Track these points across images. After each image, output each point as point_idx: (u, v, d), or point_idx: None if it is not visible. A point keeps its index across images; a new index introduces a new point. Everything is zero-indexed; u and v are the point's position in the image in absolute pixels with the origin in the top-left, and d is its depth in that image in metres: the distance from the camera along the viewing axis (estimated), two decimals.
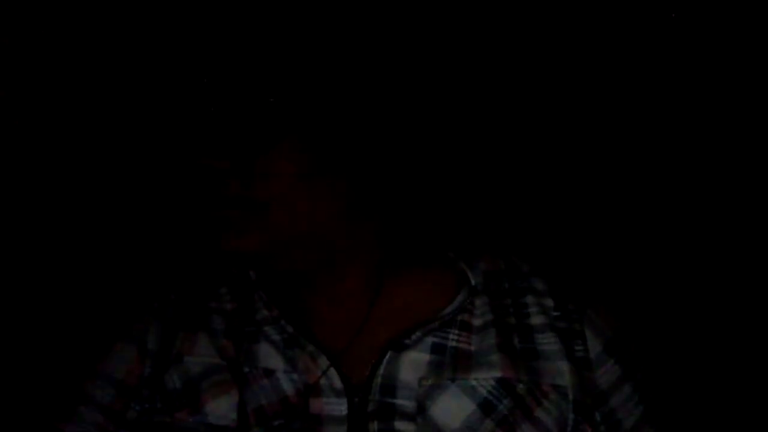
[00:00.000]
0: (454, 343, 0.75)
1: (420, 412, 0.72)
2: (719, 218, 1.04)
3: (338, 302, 0.77)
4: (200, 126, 0.71)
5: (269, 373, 0.75)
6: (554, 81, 1.04)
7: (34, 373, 0.97)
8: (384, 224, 0.77)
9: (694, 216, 1.05)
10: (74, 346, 0.86)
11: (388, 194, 0.76)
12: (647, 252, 1.06)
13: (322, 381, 0.73)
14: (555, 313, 0.78)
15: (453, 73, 0.82)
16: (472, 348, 0.76)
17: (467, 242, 0.84)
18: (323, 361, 0.74)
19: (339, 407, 0.73)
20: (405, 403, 0.73)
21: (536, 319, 0.78)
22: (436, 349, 0.75)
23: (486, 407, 0.73)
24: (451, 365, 0.74)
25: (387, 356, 0.74)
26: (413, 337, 0.75)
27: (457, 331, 0.76)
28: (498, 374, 0.74)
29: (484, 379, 0.74)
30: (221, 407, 0.74)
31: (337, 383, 0.73)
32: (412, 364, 0.74)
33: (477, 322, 0.77)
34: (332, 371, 0.74)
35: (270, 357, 0.76)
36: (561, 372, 0.75)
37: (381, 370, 0.74)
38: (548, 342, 0.77)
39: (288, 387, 0.74)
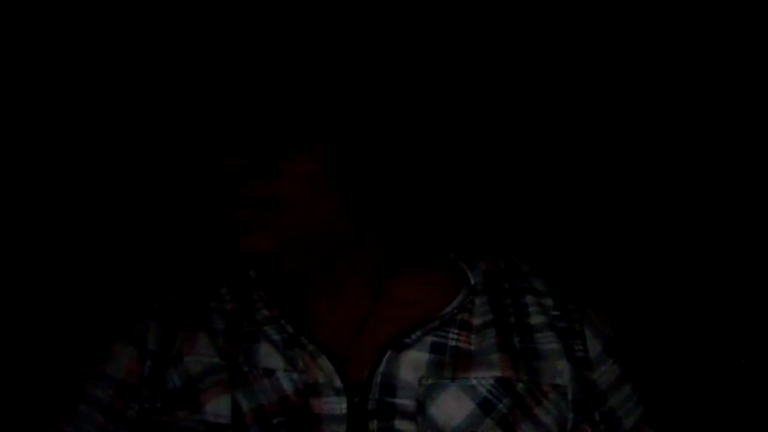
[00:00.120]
0: (454, 343, 0.76)
1: (420, 411, 0.72)
2: (719, 218, 1.04)
3: (338, 302, 0.77)
4: (225, 124, 0.72)
5: (269, 372, 0.75)
6: (554, 82, 1.04)
7: (34, 372, 0.97)
8: (385, 224, 0.77)
9: (694, 216, 1.05)
10: (74, 346, 0.86)
11: (389, 195, 0.76)
12: (647, 252, 1.06)
13: (322, 380, 0.73)
14: (555, 313, 0.78)
15: (454, 74, 0.82)
16: (472, 347, 0.76)
17: (467, 242, 0.85)
18: (323, 361, 0.74)
19: (339, 406, 0.73)
20: (405, 402, 0.73)
21: (536, 319, 0.78)
22: (435, 348, 0.75)
23: (486, 406, 0.73)
24: (450, 364, 0.74)
25: (387, 355, 0.74)
26: (413, 336, 0.75)
27: (456, 331, 0.76)
28: (498, 373, 0.74)
29: (483, 379, 0.74)
30: (221, 407, 0.74)
31: (337, 382, 0.73)
32: (412, 364, 0.74)
33: (477, 321, 0.77)
34: (332, 370, 0.74)
35: (270, 356, 0.76)
36: (560, 371, 0.75)
37: (381, 370, 0.74)
38: (548, 342, 0.77)
39: (288, 386, 0.74)
